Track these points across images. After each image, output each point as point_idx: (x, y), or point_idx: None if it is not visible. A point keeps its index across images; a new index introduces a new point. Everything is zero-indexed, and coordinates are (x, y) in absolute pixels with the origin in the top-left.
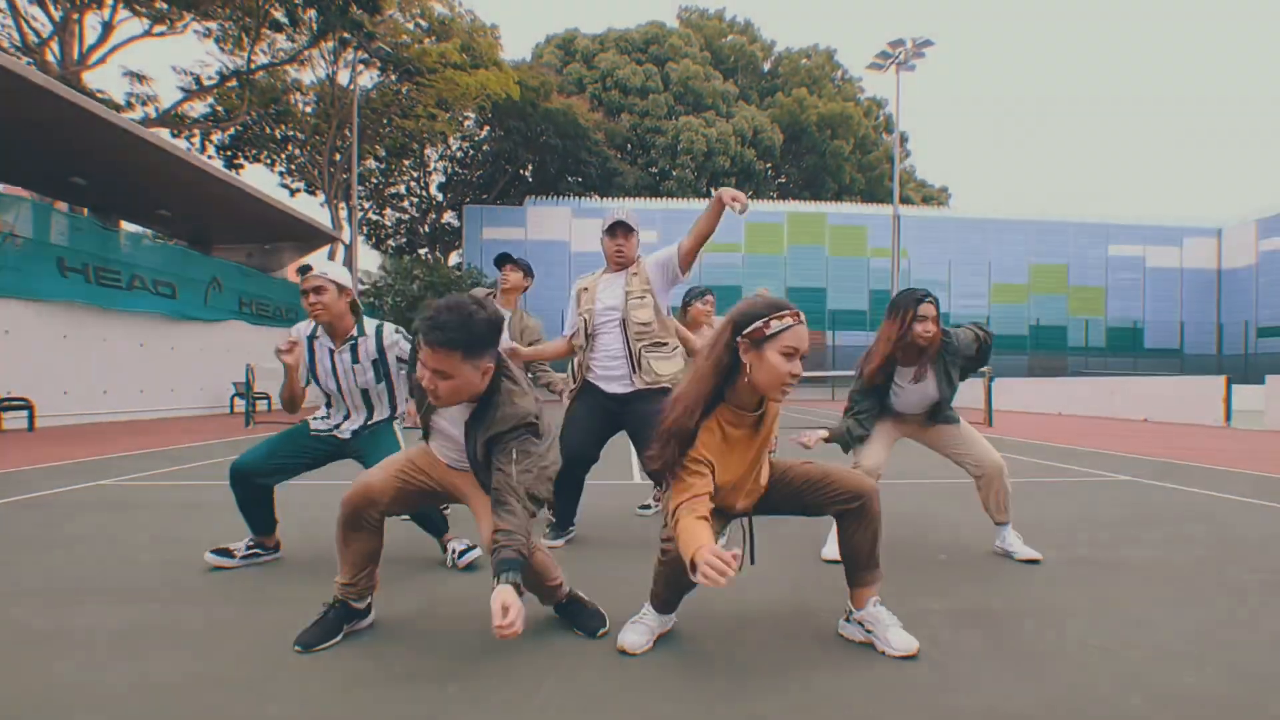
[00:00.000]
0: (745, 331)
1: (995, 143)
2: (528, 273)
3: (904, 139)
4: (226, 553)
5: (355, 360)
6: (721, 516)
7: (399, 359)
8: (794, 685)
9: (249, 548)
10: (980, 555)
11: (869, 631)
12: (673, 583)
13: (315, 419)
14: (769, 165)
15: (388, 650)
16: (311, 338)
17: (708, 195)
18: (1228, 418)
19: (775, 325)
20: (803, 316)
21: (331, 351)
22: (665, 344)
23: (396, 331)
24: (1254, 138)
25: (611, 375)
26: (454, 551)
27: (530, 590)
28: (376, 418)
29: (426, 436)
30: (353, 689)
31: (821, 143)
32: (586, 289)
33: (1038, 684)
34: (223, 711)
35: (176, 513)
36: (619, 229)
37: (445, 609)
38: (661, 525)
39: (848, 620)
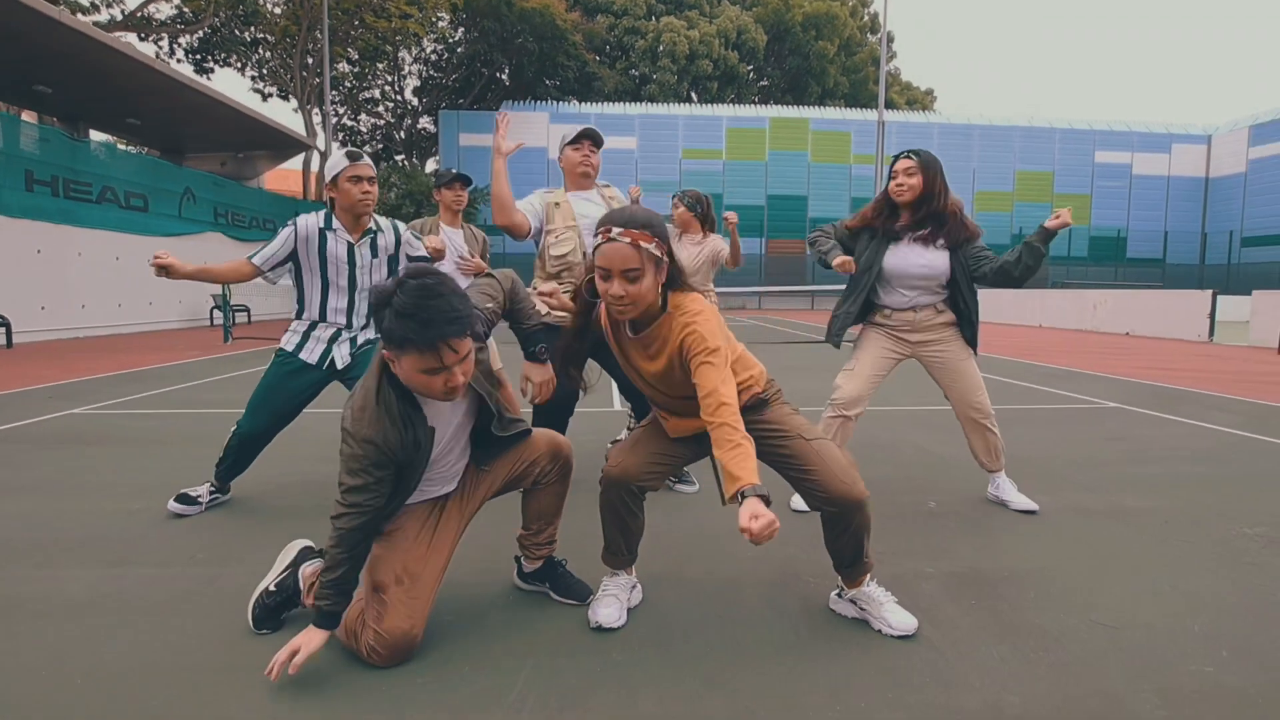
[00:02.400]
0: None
1: (984, 43)
2: (466, 185)
3: (890, 39)
4: (189, 499)
5: (374, 255)
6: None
7: (408, 256)
8: (782, 672)
9: (210, 492)
10: (973, 501)
11: (863, 609)
12: (605, 517)
13: (297, 347)
14: (751, 68)
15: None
16: (326, 229)
17: (689, 100)
18: (1211, 333)
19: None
20: (615, 232)
21: (351, 245)
22: None
23: (408, 229)
24: (1245, 41)
25: None
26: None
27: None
28: (371, 332)
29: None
30: (319, 679)
31: (806, 44)
32: (558, 204)
33: (1043, 675)
34: (178, 704)
35: (142, 449)
36: (587, 139)
37: None
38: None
39: (840, 596)
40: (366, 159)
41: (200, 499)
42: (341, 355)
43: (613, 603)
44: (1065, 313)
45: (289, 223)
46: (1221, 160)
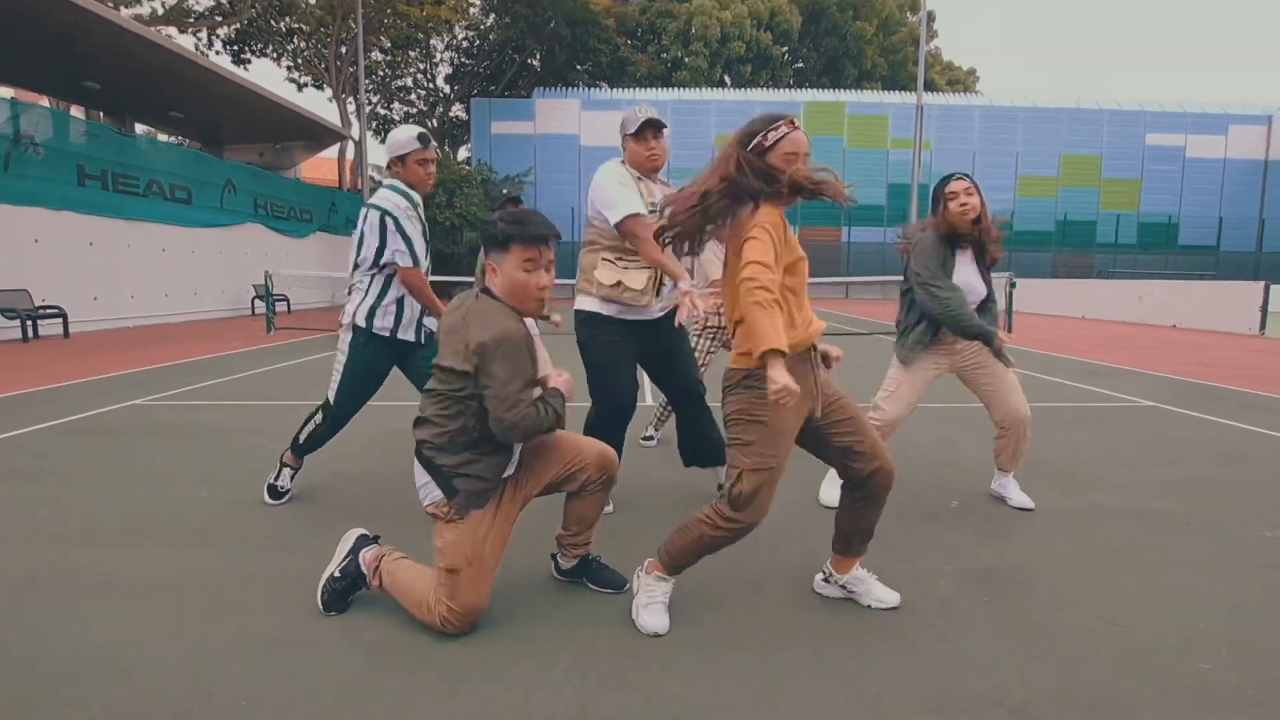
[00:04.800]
0: (749, 147)
1: (1029, 22)
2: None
3: (931, 19)
4: (277, 492)
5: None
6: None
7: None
8: (805, 660)
9: (290, 478)
10: (995, 501)
11: (851, 591)
12: (706, 550)
13: (378, 319)
14: (785, 50)
15: (409, 619)
16: (413, 204)
17: (722, 84)
18: (1263, 326)
19: (772, 136)
20: (797, 122)
21: (423, 223)
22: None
23: None
24: None
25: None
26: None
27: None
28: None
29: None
30: (379, 657)
31: (843, 25)
32: (640, 181)
33: (1047, 667)
34: (261, 677)
35: (202, 439)
36: (649, 129)
37: None
38: (719, 496)
39: (826, 580)
40: (434, 144)
41: (283, 488)
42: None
43: (661, 610)
44: (1110, 304)
45: (384, 214)
46: None
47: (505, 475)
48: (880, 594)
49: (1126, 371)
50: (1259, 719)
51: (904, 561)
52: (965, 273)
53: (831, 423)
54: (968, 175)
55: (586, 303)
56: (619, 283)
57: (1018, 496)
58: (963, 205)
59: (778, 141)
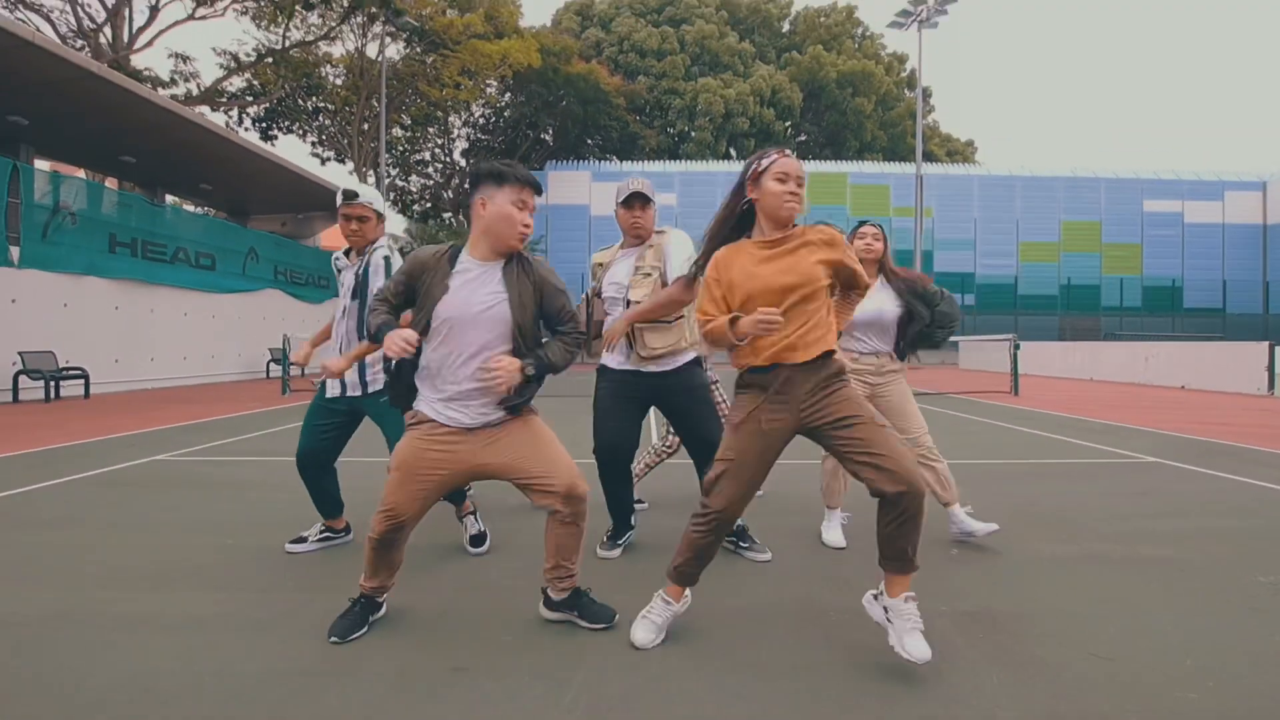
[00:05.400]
0: (747, 175)
1: (1025, 95)
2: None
3: (927, 95)
4: (300, 539)
5: (359, 276)
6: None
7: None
8: (800, 688)
9: (320, 532)
10: (993, 546)
11: (890, 621)
12: (701, 553)
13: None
14: (788, 125)
15: (431, 642)
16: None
17: (727, 157)
18: (1271, 385)
19: (764, 162)
20: (788, 151)
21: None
22: (667, 319)
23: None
24: None
25: (615, 349)
26: (467, 534)
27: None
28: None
29: (405, 403)
30: (404, 682)
31: (842, 100)
32: (602, 264)
33: (1036, 695)
34: (290, 703)
35: (223, 492)
36: (635, 200)
37: (477, 600)
38: (701, 503)
39: (875, 598)
40: (358, 197)
41: (309, 537)
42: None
43: (651, 627)
44: (1116, 366)
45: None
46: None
47: (463, 425)
48: (912, 647)
49: (1131, 429)
50: None
51: None
52: (877, 298)
53: (846, 439)
54: (880, 225)
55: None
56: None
57: (977, 526)
58: (867, 245)
59: (769, 165)
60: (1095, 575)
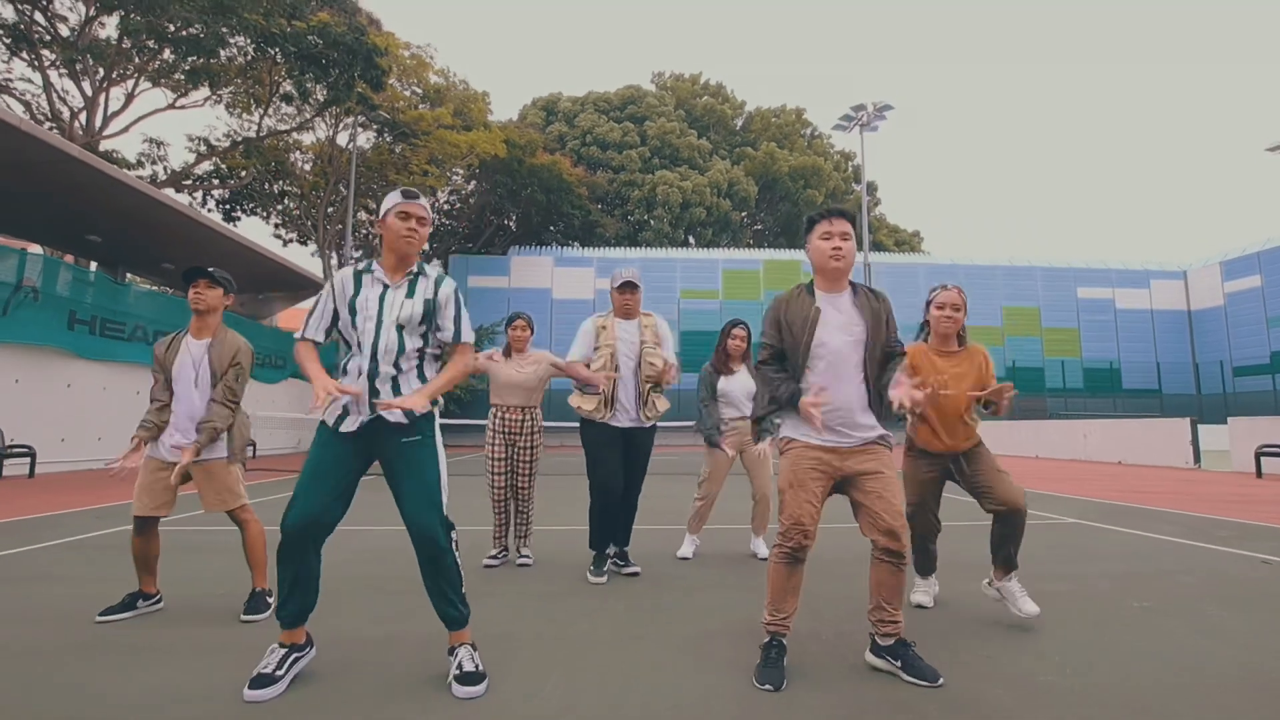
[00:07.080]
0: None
1: (966, 189)
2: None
3: (873, 189)
4: (267, 681)
5: (410, 296)
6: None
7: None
8: (806, 702)
9: (285, 658)
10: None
11: (1003, 597)
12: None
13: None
14: (744, 215)
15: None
16: (364, 272)
17: (685, 244)
18: (1197, 459)
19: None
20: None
21: (386, 288)
22: (661, 387)
23: None
24: (1217, 180)
25: (622, 408)
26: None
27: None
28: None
29: None
30: (396, 697)
31: (794, 192)
32: (605, 327)
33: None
34: (293, 716)
35: (199, 554)
36: (628, 287)
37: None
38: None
39: (989, 585)
40: (422, 199)
41: (279, 675)
42: (353, 419)
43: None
44: (1058, 443)
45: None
46: (1200, 294)
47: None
48: (1023, 604)
49: (1058, 497)
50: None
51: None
52: (742, 378)
53: (972, 475)
54: (745, 324)
55: (583, 413)
56: (579, 406)
57: (761, 549)
58: (738, 341)
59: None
60: (994, 609)
